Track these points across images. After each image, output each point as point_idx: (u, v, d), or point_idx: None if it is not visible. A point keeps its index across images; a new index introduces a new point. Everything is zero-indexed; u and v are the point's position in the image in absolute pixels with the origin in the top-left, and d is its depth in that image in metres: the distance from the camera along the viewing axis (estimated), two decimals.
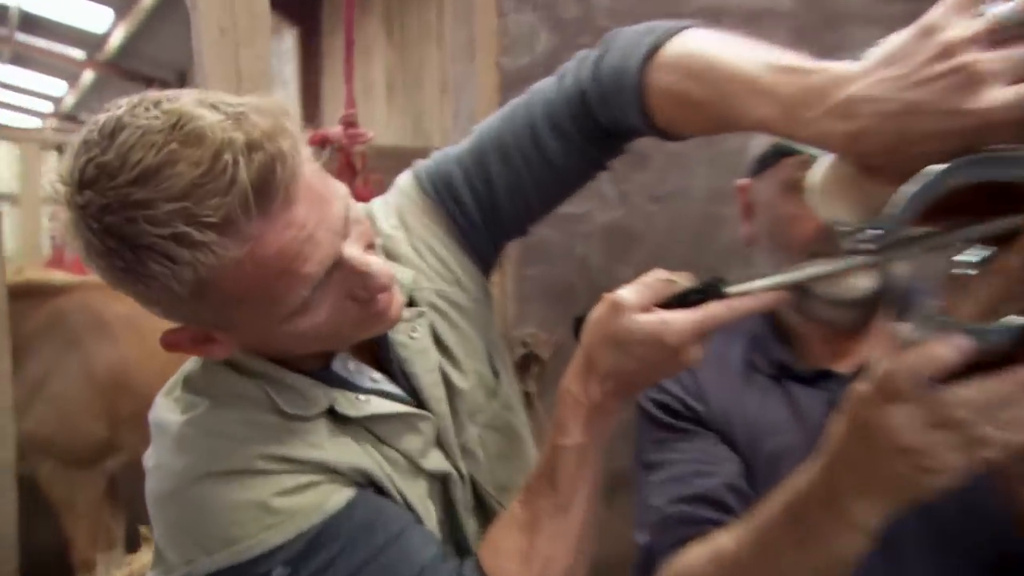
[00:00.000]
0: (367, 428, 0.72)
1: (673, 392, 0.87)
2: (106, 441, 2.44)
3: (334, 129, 1.56)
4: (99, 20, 7.05)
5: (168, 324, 0.66)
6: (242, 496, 0.64)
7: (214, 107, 0.56)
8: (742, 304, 0.61)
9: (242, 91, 0.62)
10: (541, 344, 1.56)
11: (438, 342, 0.79)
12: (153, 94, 0.59)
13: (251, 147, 0.55)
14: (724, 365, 0.88)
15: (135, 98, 0.58)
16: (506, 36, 1.53)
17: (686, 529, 0.76)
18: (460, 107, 1.65)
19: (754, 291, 0.61)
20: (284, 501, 0.65)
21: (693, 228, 1.61)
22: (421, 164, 0.84)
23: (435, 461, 0.75)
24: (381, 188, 1.56)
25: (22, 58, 8.44)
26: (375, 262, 0.65)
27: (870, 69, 0.51)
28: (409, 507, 0.72)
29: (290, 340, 0.65)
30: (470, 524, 0.78)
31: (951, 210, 0.51)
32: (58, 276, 2.66)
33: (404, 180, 0.84)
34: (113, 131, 0.55)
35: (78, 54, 8.02)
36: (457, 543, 0.76)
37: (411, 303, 0.78)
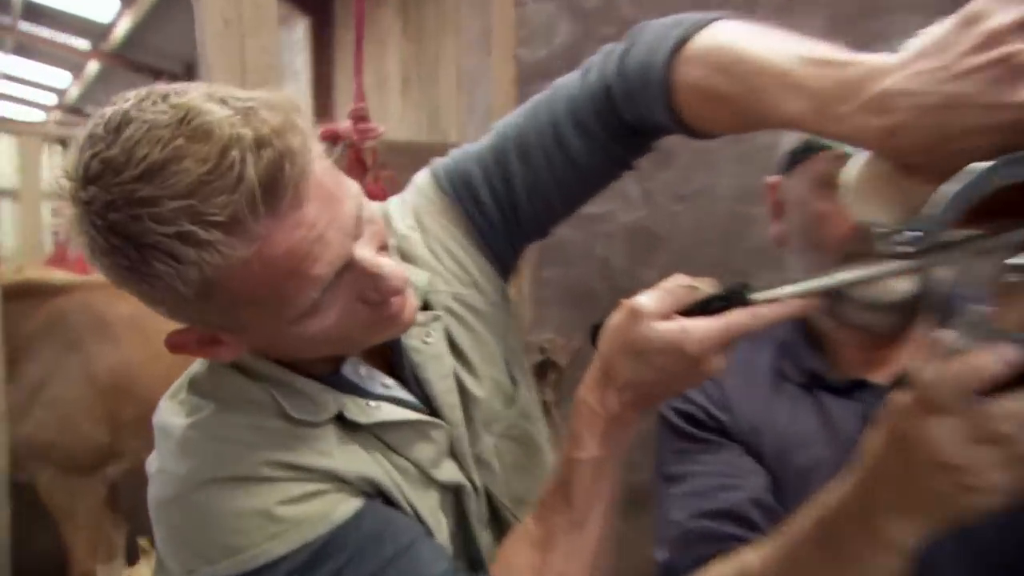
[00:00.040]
0: (377, 436, 0.72)
1: (696, 401, 0.87)
2: (107, 447, 2.44)
3: (343, 124, 1.57)
4: (104, 9, 7.11)
5: (173, 325, 0.66)
6: (246, 504, 0.65)
7: (223, 102, 0.57)
8: (767, 312, 0.61)
9: (247, 84, 0.63)
10: (559, 350, 1.56)
11: (453, 347, 0.79)
12: (161, 87, 0.60)
13: (260, 144, 0.55)
14: (751, 373, 0.88)
15: (143, 91, 0.59)
16: (524, 27, 1.54)
17: (708, 546, 0.75)
18: (475, 102, 1.66)
19: (781, 298, 0.60)
20: (289, 510, 0.65)
21: (720, 228, 1.61)
22: (439, 162, 0.85)
23: (448, 472, 0.75)
24: (393, 185, 1.58)
25: (25, 48, 8.54)
26: (388, 264, 0.65)
27: (908, 61, 0.51)
28: (419, 519, 0.72)
29: (299, 343, 0.66)
30: (484, 537, 0.78)
31: (996, 211, 0.50)
32: (58, 275, 2.67)
33: (421, 178, 0.85)
34: (119, 125, 0.56)
35: (82, 44, 8.10)
36: (470, 557, 0.77)
37: (426, 306, 0.78)
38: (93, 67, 8.69)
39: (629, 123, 0.75)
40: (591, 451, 0.68)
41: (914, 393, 0.51)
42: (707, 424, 0.86)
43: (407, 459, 0.73)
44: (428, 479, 0.74)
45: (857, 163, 0.57)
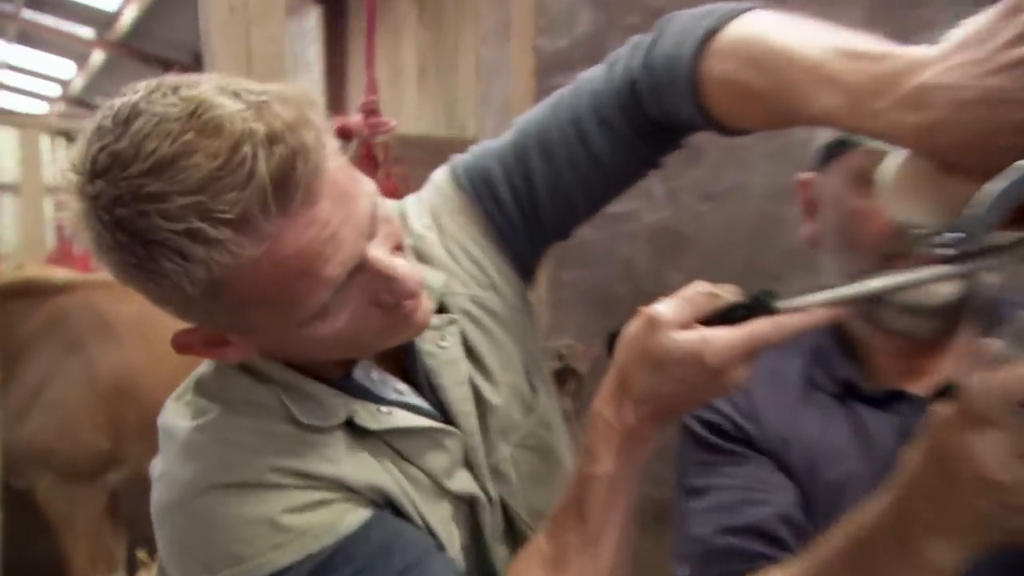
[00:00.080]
0: (388, 443, 0.73)
1: (721, 410, 0.86)
2: (108, 453, 2.44)
3: (353, 118, 1.58)
4: None
5: (178, 326, 0.67)
6: (250, 511, 0.65)
7: (235, 95, 0.58)
8: (792, 321, 0.61)
9: (254, 75, 0.63)
10: (578, 357, 1.55)
11: (469, 352, 0.80)
12: (172, 79, 0.60)
13: (272, 139, 0.56)
14: (781, 381, 0.87)
15: (153, 82, 0.60)
16: (544, 15, 1.53)
17: (733, 564, 0.75)
18: (491, 93, 1.66)
19: (808, 307, 0.60)
20: (295, 519, 0.66)
21: (750, 229, 1.60)
22: (458, 159, 0.85)
23: (461, 482, 0.76)
24: (404, 181, 1.58)
25: (28, 37, 8.64)
26: (402, 265, 0.66)
27: (947, 53, 0.51)
28: (430, 531, 0.72)
29: (309, 345, 0.66)
30: (499, 551, 0.78)
31: None
32: (59, 274, 2.66)
33: (440, 176, 0.85)
34: (128, 118, 0.57)
35: (87, 33, 8.19)
36: (484, 573, 0.77)
37: (442, 309, 0.79)
38: (98, 57, 8.77)
39: (655, 119, 0.75)
40: (606, 466, 0.67)
41: (957, 405, 0.50)
42: (732, 434, 0.85)
43: (419, 468, 0.73)
44: (441, 490, 0.74)
45: (895, 160, 0.57)
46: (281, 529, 0.65)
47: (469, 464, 0.77)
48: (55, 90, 10.93)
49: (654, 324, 0.63)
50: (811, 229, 0.89)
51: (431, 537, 0.72)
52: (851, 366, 0.86)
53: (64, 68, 9.94)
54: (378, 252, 0.64)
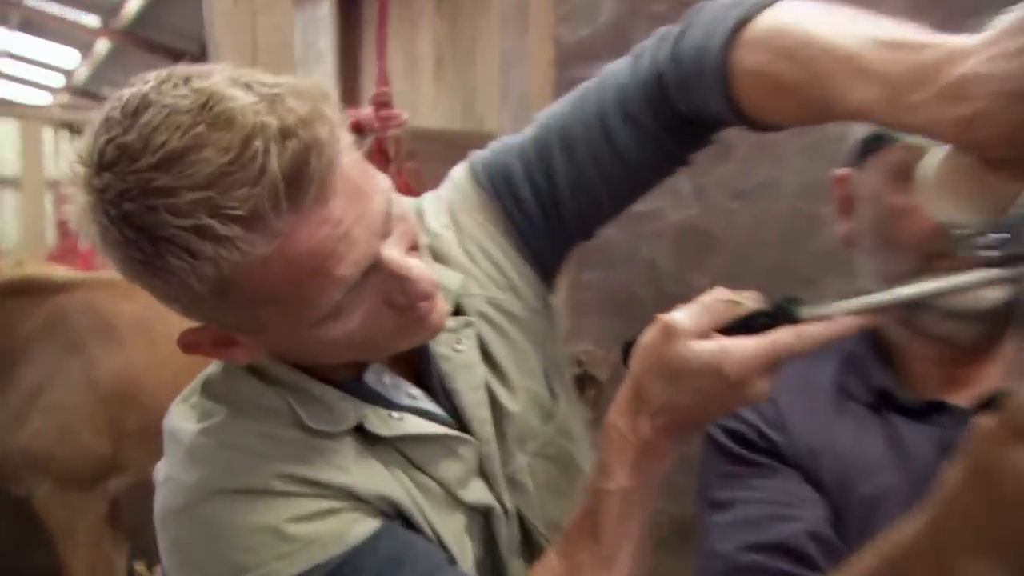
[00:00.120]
0: (399, 450, 0.73)
1: (747, 419, 0.85)
2: (109, 459, 2.44)
3: (364, 111, 1.58)
4: None
5: (182, 327, 0.68)
6: (255, 519, 0.66)
7: (248, 87, 0.58)
8: (817, 330, 0.60)
9: (259, 66, 0.64)
10: (598, 363, 1.54)
11: (486, 356, 0.80)
12: (183, 69, 0.61)
13: (285, 134, 0.56)
14: (811, 390, 0.86)
15: (164, 73, 0.61)
16: (564, 3, 1.52)
17: None
18: (509, 85, 1.64)
19: (835, 315, 0.59)
20: (301, 528, 0.66)
21: (782, 228, 1.58)
22: (478, 155, 0.85)
23: (476, 492, 0.76)
24: (417, 178, 1.58)
25: (31, 24, 8.72)
26: (416, 265, 0.66)
27: (990, 42, 0.50)
28: (442, 544, 0.72)
29: (320, 347, 0.67)
30: (515, 565, 0.78)
31: None
32: (60, 272, 2.67)
33: (458, 172, 0.86)
34: (137, 109, 0.58)
35: (92, 21, 8.26)
36: None
37: (458, 311, 0.79)
38: (103, 46, 8.84)
39: (683, 114, 0.75)
40: (620, 481, 0.67)
41: (1001, 418, 0.50)
42: (758, 445, 0.84)
43: (431, 477, 0.74)
44: (454, 500, 0.75)
45: (936, 156, 0.56)
46: (287, 538, 0.66)
47: (484, 473, 0.78)
48: (58, 80, 11.04)
49: (671, 333, 0.63)
50: (847, 228, 0.88)
51: (443, 550, 0.72)
52: (887, 374, 0.85)
53: (68, 57, 10.03)
54: (392, 252, 0.65)
